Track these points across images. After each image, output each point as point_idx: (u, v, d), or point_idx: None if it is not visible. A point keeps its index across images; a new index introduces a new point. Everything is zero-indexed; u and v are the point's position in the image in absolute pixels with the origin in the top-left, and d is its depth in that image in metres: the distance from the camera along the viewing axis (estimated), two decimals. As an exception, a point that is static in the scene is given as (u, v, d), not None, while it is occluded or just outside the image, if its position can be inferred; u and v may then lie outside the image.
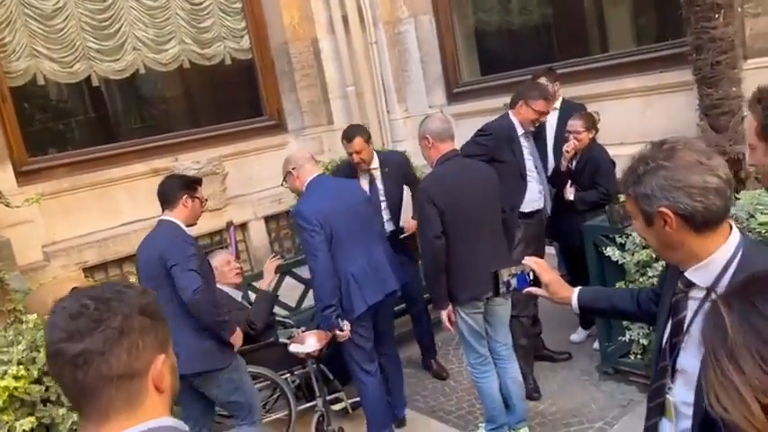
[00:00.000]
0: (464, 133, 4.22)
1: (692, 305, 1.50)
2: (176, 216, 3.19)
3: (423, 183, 3.27)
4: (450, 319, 3.26)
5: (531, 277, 1.92)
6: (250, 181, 6.55)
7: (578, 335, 4.43)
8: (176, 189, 3.21)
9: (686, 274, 1.48)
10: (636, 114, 5.36)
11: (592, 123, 4.26)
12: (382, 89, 7.02)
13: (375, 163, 4.27)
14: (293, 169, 3.57)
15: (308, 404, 3.82)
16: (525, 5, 7.60)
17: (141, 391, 1.05)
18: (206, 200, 3.43)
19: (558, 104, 4.73)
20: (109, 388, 1.01)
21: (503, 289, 1.95)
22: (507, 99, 6.17)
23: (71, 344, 1.00)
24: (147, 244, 3.19)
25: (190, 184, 3.29)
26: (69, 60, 5.79)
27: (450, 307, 3.25)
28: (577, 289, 1.92)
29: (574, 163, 4.29)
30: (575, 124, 4.28)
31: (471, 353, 3.34)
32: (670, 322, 1.55)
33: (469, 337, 3.29)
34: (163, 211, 3.24)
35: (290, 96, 6.93)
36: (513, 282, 1.93)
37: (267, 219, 6.52)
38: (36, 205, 4.77)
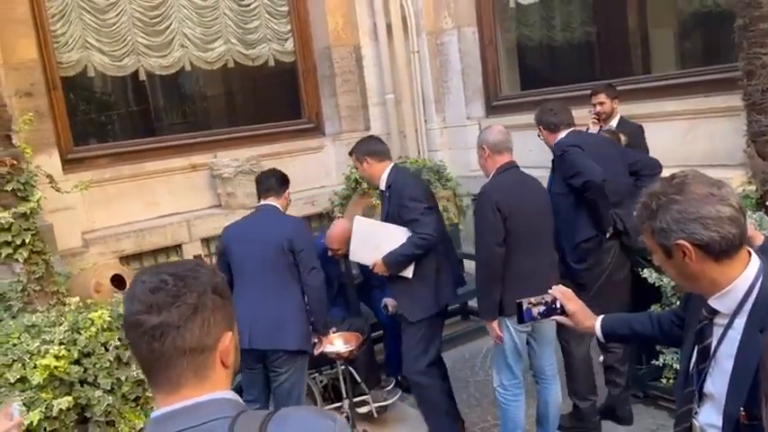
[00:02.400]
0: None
1: (716, 331, 1.53)
2: (279, 204, 3.59)
3: (486, 188, 3.23)
4: (498, 331, 3.22)
5: (557, 306, 1.92)
6: None
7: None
8: (282, 182, 3.71)
9: (709, 301, 1.51)
10: (677, 138, 5.31)
11: (616, 141, 4.21)
12: (421, 98, 7.06)
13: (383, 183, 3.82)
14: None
15: (334, 405, 3.84)
16: (569, 22, 7.59)
17: (209, 365, 1.11)
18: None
19: (614, 122, 4.72)
20: (182, 360, 1.07)
21: (527, 317, 1.94)
22: (546, 115, 6.21)
23: (150, 316, 1.06)
24: (263, 222, 3.50)
25: (288, 181, 3.78)
26: (119, 54, 5.93)
27: (497, 319, 3.20)
28: (600, 318, 1.94)
29: None
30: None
31: (507, 373, 3.27)
32: (696, 349, 1.58)
33: (510, 356, 3.23)
34: (265, 198, 3.62)
35: (330, 101, 7.00)
36: (536, 311, 1.93)
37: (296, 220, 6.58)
38: (78, 193, 4.88)
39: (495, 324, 3.19)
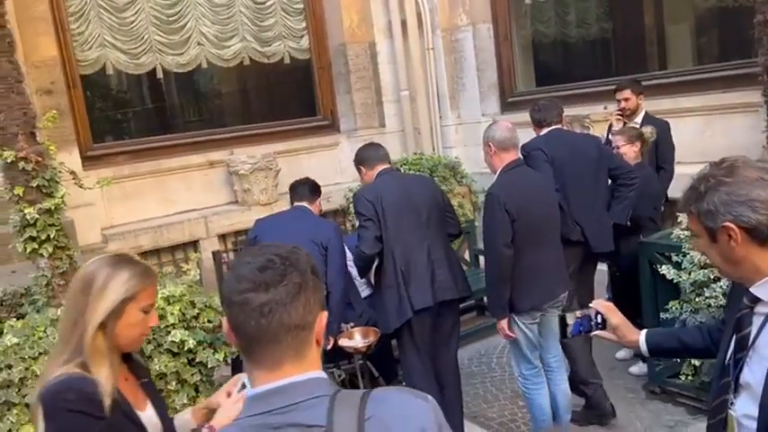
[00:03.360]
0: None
1: (756, 321, 1.52)
2: (313, 209, 3.75)
3: (493, 188, 3.22)
4: (507, 329, 3.23)
5: (599, 320, 1.87)
6: (300, 178, 6.64)
7: (625, 352, 4.37)
8: (316, 190, 3.88)
9: (752, 289, 1.51)
10: (694, 134, 5.29)
11: (636, 137, 4.19)
12: (436, 95, 7.07)
13: None
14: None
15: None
16: (584, 18, 7.56)
17: (308, 343, 1.15)
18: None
19: (639, 119, 4.69)
20: (287, 336, 1.12)
21: (570, 333, 1.89)
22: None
23: (257, 294, 1.10)
24: (296, 219, 3.63)
25: (321, 191, 3.97)
26: (137, 52, 5.99)
27: (508, 317, 3.22)
28: (643, 332, 1.89)
29: None
30: (615, 139, 4.26)
31: (524, 363, 3.30)
32: (734, 338, 1.56)
33: (526, 347, 3.26)
34: (298, 201, 3.77)
35: (345, 98, 7.02)
36: (572, 325, 1.87)
37: (335, 212, 6.61)
38: (98, 189, 4.94)
39: (504, 323, 3.21)
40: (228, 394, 1.77)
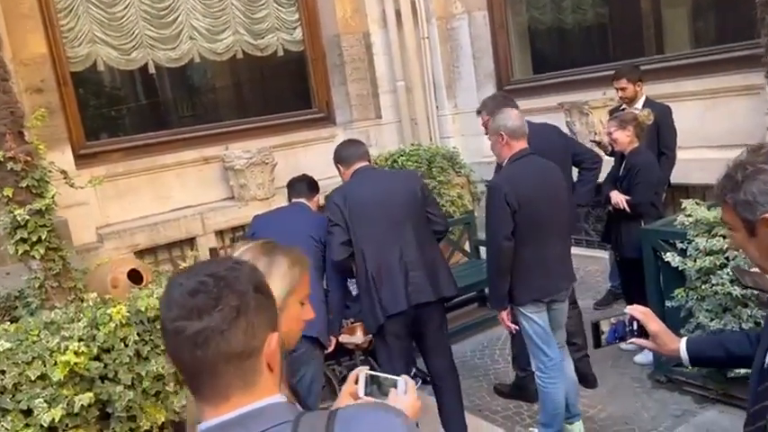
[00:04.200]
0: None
1: None
2: (311, 205, 3.68)
3: (496, 180, 3.16)
4: (508, 320, 3.20)
5: (635, 326, 1.74)
6: (297, 172, 6.42)
7: (643, 356, 4.12)
8: (313, 187, 3.80)
9: None
10: (696, 117, 5.22)
11: (627, 121, 4.11)
12: (432, 85, 7.00)
13: None
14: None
15: (354, 396, 3.82)
16: (580, 4, 7.46)
17: (256, 369, 1.04)
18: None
19: (639, 104, 4.63)
20: (227, 367, 1.00)
21: (605, 340, 1.76)
22: (560, 98, 6.13)
23: (191, 321, 0.98)
24: (293, 215, 3.55)
25: (319, 187, 3.88)
26: (128, 48, 5.90)
27: (508, 309, 3.18)
28: (683, 339, 1.74)
29: (621, 168, 4.21)
30: (608, 125, 4.20)
31: (540, 356, 3.21)
32: None
33: (537, 339, 3.18)
34: (296, 197, 3.71)
35: (340, 89, 6.94)
36: (608, 331, 1.75)
37: (321, 208, 6.54)
38: (91, 188, 4.87)
39: (504, 314, 3.17)
40: (354, 395, 1.56)
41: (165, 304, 1.02)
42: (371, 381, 1.54)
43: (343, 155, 3.46)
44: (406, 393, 1.47)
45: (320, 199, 3.89)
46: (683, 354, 1.72)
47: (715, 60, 5.30)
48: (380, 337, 3.26)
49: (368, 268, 3.22)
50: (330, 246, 3.27)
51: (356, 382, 1.53)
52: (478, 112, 4.11)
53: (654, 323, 1.73)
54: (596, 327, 1.76)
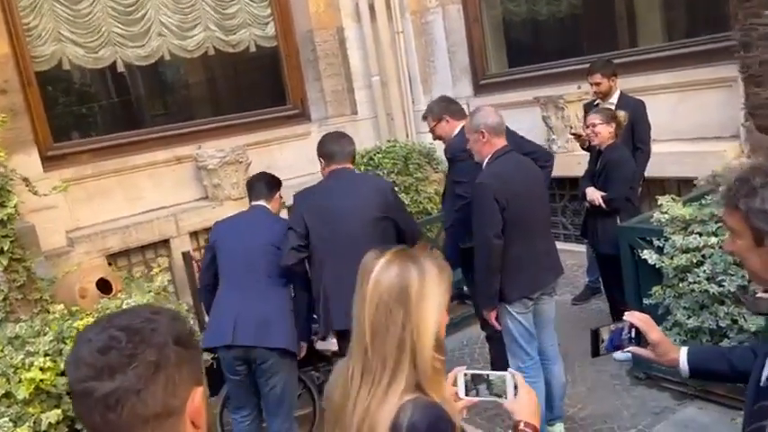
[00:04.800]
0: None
1: None
2: (270, 206, 3.54)
3: (482, 178, 3.12)
4: (496, 319, 3.18)
5: (633, 334, 1.66)
6: (272, 170, 6.35)
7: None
8: (273, 185, 3.62)
9: None
10: (668, 111, 5.23)
11: (611, 118, 4.13)
12: (408, 79, 6.93)
13: None
14: None
15: (333, 401, 3.77)
16: (553, -4, 7.44)
17: (179, 430, 0.95)
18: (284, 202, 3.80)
19: (614, 99, 4.63)
20: (145, 430, 0.91)
21: (604, 349, 1.69)
22: (535, 92, 6.11)
23: (101, 382, 0.89)
24: (252, 222, 3.42)
25: (280, 184, 3.72)
26: (95, 46, 5.75)
27: (496, 308, 3.16)
28: (684, 349, 1.66)
29: (598, 163, 4.22)
30: (591, 117, 4.20)
31: (522, 355, 3.20)
32: None
33: (521, 338, 3.17)
34: (255, 200, 3.56)
35: (315, 85, 6.85)
36: (607, 340, 1.68)
37: (290, 209, 6.45)
38: (59, 192, 4.74)
39: (492, 313, 3.15)
40: (455, 397, 1.48)
41: (73, 363, 0.92)
42: (477, 380, 1.48)
43: (326, 150, 3.36)
44: (516, 393, 1.47)
45: (283, 197, 3.76)
46: (684, 365, 1.65)
47: (687, 53, 5.32)
48: (339, 345, 3.26)
49: (324, 279, 3.18)
50: (283, 248, 3.20)
51: (454, 383, 1.49)
52: (424, 118, 4.12)
53: (655, 332, 1.66)
54: (596, 334, 1.70)
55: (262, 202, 3.53)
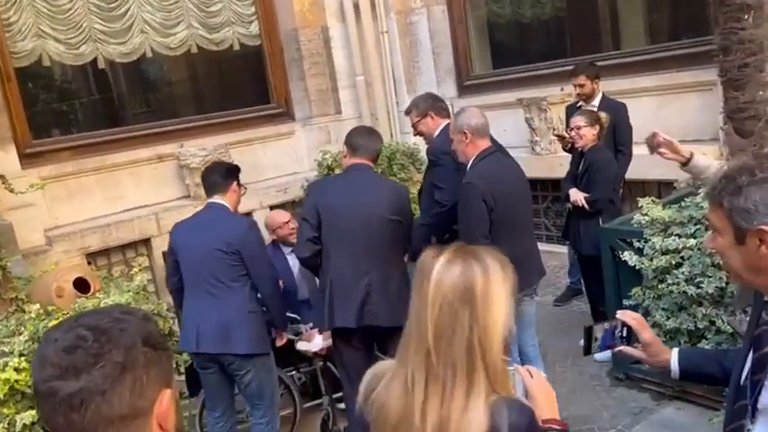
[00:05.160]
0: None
1: None
2: (227, 201, 3.33)
3: (470, 178, 3.12)
4: None
5: (624, 333, 1.63)
6: (255, 170, 6.45)
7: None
8: (227, 176, 3.39)
9: None
10: (649, 113, 5.27)
11: (594, 120, 4.16)
12: (392, 80, 6.92)
13: None
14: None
15: (314, 402, 3.76)
16: (538, -2, 7.47)
17: None
18: (245, 188, 3.56)
19: (596, 101, 4.66)
20: (108, 431, 0.89)
21: (597, 347, 1.67)
22: (519, 93, 6.13)
23: (66, 382, 0.87)
24: (207, 223, 3.27)
25: (236, 171, 3.48)
26: (75, 42, 5.68)
27: None
28: (675, 351, 1.64)
29: (580, 166, 4.25)
30: (576, 119, 4.23)
31: None
32: (751, 357, 1.40)
33: None
34: (210, 195, 3.36)
35: (299, 84, 6.82)
36: (601, 339, 1.65)
37: (272, 208, 6.42)
38: (37, 190, 4.68)
39: None
40: None
41: (38, 363, 0.90)
42: None
43: (353, 141, 3.34)
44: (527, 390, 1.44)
45: (244, 186, 3.55)
46: (675, 366, 1.64)
47: (669, 57, 5.36)
48: (335, 342, 3.25)
49: (329, 274, 3.16)
50: (298, 240, 3.21)
51: None
52: (408, 112, 4.11)
53: (647, 332, 1.65)
54: (590, 332, 1.67)
55: (218, 199, 3.34)
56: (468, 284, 1.28)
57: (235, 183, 3.40)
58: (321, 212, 3.14)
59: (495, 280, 1.33)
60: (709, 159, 2.82)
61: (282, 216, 4.40)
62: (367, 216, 3.13)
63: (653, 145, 2.73)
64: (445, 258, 1.32)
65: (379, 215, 3.16)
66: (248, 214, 6.19)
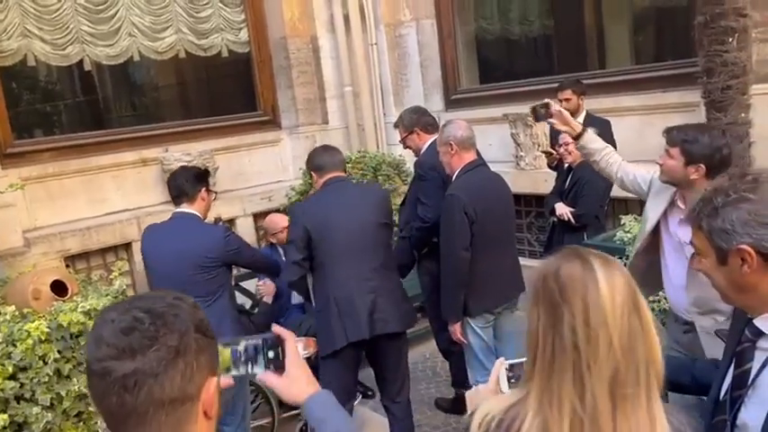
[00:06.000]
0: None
1: (759, 356, 1.37)
2: (195, 209, 3.14)
3: (453, 190, 3.12)
4: (460, 333, 3.19)
5: None
6: (240, 176, 6.44)
7: None
8: (195, 182, 3.17)
9: (756, 322, 1.36)
10: (633, 133, 5.33)
11: None
12: (380, 91, 6.94)
13: None
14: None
15: (292, 412, 3.72)
16: (526, 16, 7.56)
17: (191, 418, 0.95)
18: (216, 193, 3.38)
19: (581, 119, 4.69)
20: (159, 414, 0.91)
21: None
22: (505, 109, 6.18)
23: (121, 362, 0.89)
24: (175, 235, 3.07)
25: (205, 176, 3.31)
26: (62, 43, 5.63)
27: (460, 321, 3.17)
28: None
29: (567, 181, 4.28)
30: (565, 136, 4.27)
31: (480, 370, 3.20)
32: (731, 373, 1.41)
33: (480, 353, 3.20)
34: (178, 203, 3.17)
35: (286, 93, 6.82)
36: None
37: (256, 216, 6.39)
38: (17, 190, 4.62)
39: (458, 327, 3.16)
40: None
41: (94, 342, 0.92)
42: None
43: (316, 163, 3.29)
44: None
45: (213, 191, 3.42)
46: None
47: (654, 77, 5.43)
48: (328, 362, 3.11)
49: (330, 290, 3.06)
50: (285, 264, 3.15)
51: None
52: (396, 126, 4.13)
53: None
54: None
55: (185, 207, 3.15)
56: (633, 291, 1.11)
57: (203, 189, 3.22)
58: (313, 232, 3.05)
59: (636, 287, 1.14)
60: (601, 143, 2.94)
61: (281, 220, 4.41)
62: (362, 225, 3.11)
63: (542, 114, 2.83)
64: (600, 266, 1.14)
65: (373, 221, 3.14)
66: (231, 221, 6.18)
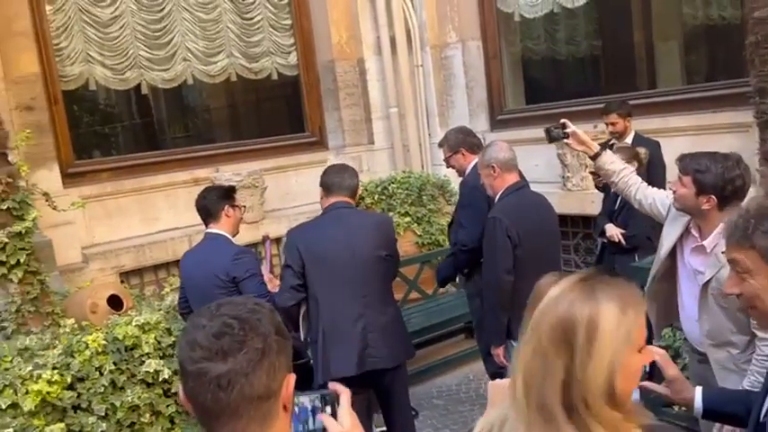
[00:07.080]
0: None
1: None
2: (222, 228, 3.17)
3: (495, 213, 3.10)
4: (503, 356, 3.16)
5: (647, 368, 1.54)
6: (287, 196, 6.56)
7: None
8: (217, 200, 3.19)
9: None
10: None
11: (632, 156, 4.15)
12: (425, 112, 7.00)
13: None
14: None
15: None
16: (573, 36, 7.53)
17: (273, 412, 1.05)
18: (244, 207, 3.42)
19: (629, 140, 4.64)
20: (248, 409, 1.02)
21: None
22: (552, 129, 6.15)
23: (215, 363, 1.00)
24: (203, 256, 3.15)
25: (228, 194, 3.30)
26: (121, 68, 5.90)
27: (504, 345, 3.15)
28: (699, 389, 1.61)
29: (617, 202, 4.23)
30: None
31: None
32: None
33: None
34: (207, 225, 3.22)
35: (333, 114, 6.95)
36: None
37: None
38: (77, 209, 4.83)
39: (501, 350, 3.13)
40: None
41: (188, 345, 1.03)
42: None
43: (326, 180, 3.20)
44: None
45: (241, 206, 3.40)
46: (698, 404, 1.60)
47: (705, 97, 5.33)
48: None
49: (320, 321, 2.99)
50: (280, 289, 3.05)
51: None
52: (440, 145, 4.14)
53: (672, 368, 1.62)
54: None
55: (213, 227, 3.18)
56: (569, 324, 1.09)
57: (227, 206, 3.19)
58: (305, 258, 2.99)
59: (605, 320, 1.10)
60: (620, 164, 2.90)
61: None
62: (356, 256, 3.00)
63: (556, 135, 2.76)
64: (560, 291, 1.15)
65: (368, 254, 3.03)
66: (278, 239, 6.30)
